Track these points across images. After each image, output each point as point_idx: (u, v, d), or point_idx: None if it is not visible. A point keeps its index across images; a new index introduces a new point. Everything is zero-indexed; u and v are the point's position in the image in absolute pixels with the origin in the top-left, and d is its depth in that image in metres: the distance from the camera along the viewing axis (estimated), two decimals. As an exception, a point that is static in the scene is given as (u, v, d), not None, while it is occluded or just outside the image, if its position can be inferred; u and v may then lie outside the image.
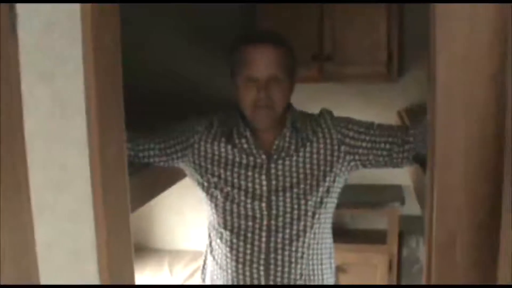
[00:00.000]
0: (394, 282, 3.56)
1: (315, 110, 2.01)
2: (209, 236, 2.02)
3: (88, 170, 1.24)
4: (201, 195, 1.97)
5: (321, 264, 1.95)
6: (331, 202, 1.94)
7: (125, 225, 1.40)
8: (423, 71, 3.59)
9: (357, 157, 1.89)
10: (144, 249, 3.99)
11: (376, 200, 3.53)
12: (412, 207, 3.56)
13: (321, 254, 1.95)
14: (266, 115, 1.83)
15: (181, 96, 3.69)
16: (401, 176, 2.93)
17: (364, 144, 1.88)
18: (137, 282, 1.50)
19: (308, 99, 2.77)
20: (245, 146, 1.88)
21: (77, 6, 1.19)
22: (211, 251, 2.01)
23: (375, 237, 3.61)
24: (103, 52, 1.25)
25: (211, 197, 1.92)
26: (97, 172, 1.25)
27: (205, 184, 1.92)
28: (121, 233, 1.38)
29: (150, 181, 2.03)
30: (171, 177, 2.23)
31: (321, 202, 1.89)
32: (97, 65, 1.22)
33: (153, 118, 2.14)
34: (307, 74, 3.26)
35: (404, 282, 3.60)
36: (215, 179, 1.89)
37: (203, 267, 2.11)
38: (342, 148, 1.88)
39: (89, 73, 1.21)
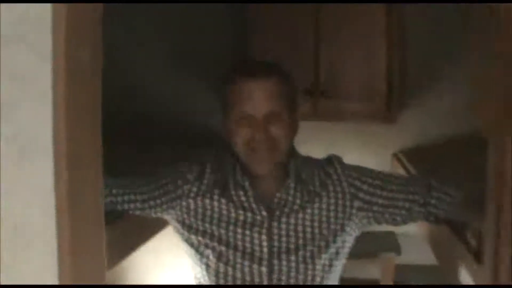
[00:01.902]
0: None
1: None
2: (197, 299, 1.73)
3: (54, 225, 0.97)
4: (188, 250, 1.69)
5: None
6: (340, 265, 1.69)
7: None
8: (420, 112, 3.45)
9: (370, 214, 1.65)
10: (115, 293, 3.68)
11: (370, 249, 3.25)
12: (406, 256, 3.34)
13: None
14: (266, 158, 1.55)
15: (167, 122, 3.42)
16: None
17: (380, 201, 1.63)
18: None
19: (299, 138, 2.56)
20: (243, 199, 1.61)
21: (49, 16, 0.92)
22: None
23: (367, 289, 3.35)
24: (78, 73, 0.98)
25: (201, 257, 1.63)
26: (66, 228, 0.97)
27: (194, 241, 1.64)
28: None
29: (132, 231, 1.76)
30: (156, 225, 1.96)
31: (330, 266, 1.63)
32: (69, 90, 0.94)
33: (137, 146, 1.88)
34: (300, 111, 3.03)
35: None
36: (207, 238, 1.61)
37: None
38: (355, 203, 1.63)
39: (59, 101, 0.94)
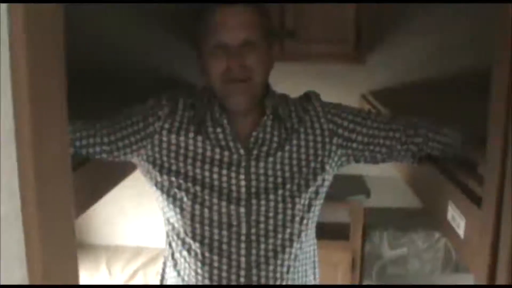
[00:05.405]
0: (357, 281, 3.30)
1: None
2: (170, 246, 1.64)
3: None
4: (159, 196, 1.59)
5: (306, 276, 1.63)
6: (319, 205, 1.62)
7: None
8: (390, 54, 3.37)
9: (350, 151, 1.60)
10: (78, 245, 3.57)
11: (339, 192, 3.20)
12: (374, 199, 3.31)
13: (305, 265, 1.63)
14: (242, 90, 1.48)
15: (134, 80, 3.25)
16: (363, 165, 2.65)
17: (360, 138, 1.58)
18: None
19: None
20: (220, 137, 1.53)
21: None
22: (175, 265, 1.62)
23: (336, 232, 3.30)
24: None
25: (174, 200, 1.53)
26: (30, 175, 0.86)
27: (165, 183, 1.53)
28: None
29: (96, 178, 1.64)
30: (121, 173, 1.84)
31: (309, 205, 1.56)
32: (30, 31, 0.81)
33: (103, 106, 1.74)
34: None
35: (365, 281, 3.34)
36: (180, 178, 1.51)
37: (161, 281, 1.75)
38: (334, 140, 1.57)
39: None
